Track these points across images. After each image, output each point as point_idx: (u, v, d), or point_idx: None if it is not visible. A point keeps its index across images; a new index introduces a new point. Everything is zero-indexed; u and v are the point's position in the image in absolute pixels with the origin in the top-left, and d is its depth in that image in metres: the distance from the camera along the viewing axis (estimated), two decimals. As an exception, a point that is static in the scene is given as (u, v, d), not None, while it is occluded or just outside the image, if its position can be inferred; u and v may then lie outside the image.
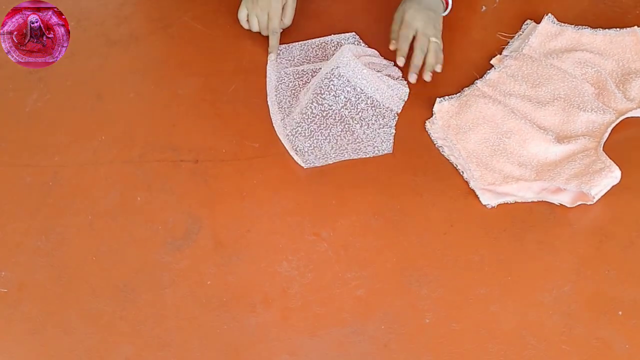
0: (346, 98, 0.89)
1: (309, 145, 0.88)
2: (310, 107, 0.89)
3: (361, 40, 1.00)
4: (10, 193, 0.88)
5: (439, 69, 0.91)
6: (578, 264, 0.76)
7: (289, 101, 0.93)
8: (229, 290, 0.77)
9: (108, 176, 0.89)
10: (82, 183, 0.88)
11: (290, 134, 0.89)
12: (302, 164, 0.87)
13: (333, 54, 0.94)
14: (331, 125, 0.89)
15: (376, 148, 0.88)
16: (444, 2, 0.96)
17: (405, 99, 0.92)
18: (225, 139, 0.91)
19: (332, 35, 1.01)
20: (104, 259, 0.81)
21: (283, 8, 0.98)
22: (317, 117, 0.89)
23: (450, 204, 0.82)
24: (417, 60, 0.90)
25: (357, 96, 0.90)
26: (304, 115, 0.90)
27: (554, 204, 0.81)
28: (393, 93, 0.92)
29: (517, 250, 0.78)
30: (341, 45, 0.97)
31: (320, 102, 0.89)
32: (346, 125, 0.89)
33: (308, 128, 0.89)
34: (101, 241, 0.82)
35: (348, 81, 0.89)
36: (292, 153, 0.88)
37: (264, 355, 0.72)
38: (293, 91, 0.95)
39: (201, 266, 0.79)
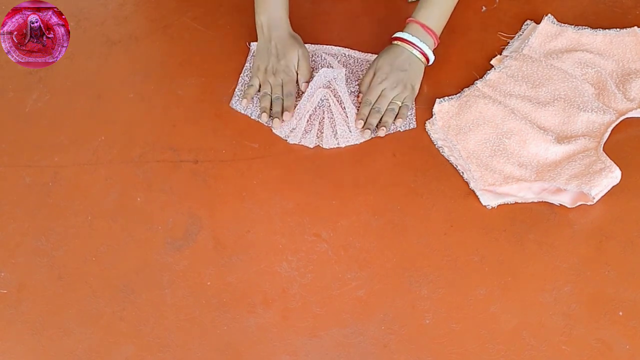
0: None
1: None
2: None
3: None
4: (10, 193, 0.88)
5: (382, 133, 0.89)
6: (578, 264, 0.76)
7: None
8: (229, 291, 0.77)
9: (108, 176, 0.89)
10: (82, 183, 0.88)
11: None
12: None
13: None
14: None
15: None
16: (425, 58, 0.92)
17: (356, 144, 0.90)
18: (225, 139, 0.91)
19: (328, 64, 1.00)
20: (104, 259, 0.81)
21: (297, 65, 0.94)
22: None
23: (450, 205, 0.82)
24: (371, 119, 0.90)
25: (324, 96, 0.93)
26: None
27: (554, 204, 0.81)
28: (351, 130, 0.91)
29: (517, 250, 0.78)
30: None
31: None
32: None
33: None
34: (101, 241, 0.82)
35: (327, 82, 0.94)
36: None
37: (264, 355, 0.72)
38: None
39: (201, 266, 0.79)
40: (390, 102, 0.90)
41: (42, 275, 0.80)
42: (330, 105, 0.93)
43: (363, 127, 0.90)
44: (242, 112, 0.94)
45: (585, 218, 0.80)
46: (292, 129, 0.91)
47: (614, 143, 0.84)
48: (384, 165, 0.87)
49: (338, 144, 0.90)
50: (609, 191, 0.79)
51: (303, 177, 0.87)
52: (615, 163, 0.79)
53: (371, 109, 0.91)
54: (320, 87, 0.93)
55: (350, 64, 0.99)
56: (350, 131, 0.91)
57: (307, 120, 0.92)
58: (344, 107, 0.92)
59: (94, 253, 0.81)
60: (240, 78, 0.98)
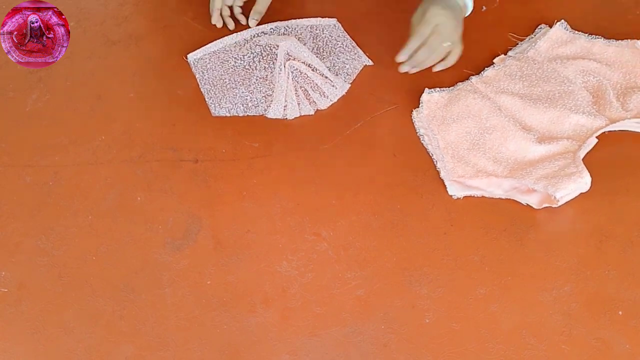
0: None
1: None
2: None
3: (342, 29, 1.03)
4: (10, 193, 0.88)
5: (438, 68, 0.91)
6: (578, 264, 0.76)
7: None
8: (229, 290, 0.77)
9: (108, 176, 0.89)
10: (82, 183, 0.88)
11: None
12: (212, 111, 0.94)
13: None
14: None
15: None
16: (466, 4, 0.91)
17: (334, 101, 0.93)
18: (225, 139, 0.91)
19: (317, 18, 1.04)
20: (104, 259, 0.81)
21: None
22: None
23: (450, 204, 0.82)
24: (419, 56, 0.88)
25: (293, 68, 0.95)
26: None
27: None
28: (334, 85, 0.94)
29: (517, 250, 0.78)
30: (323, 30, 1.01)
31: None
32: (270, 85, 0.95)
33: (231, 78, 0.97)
34: (101, 241, 0.82)
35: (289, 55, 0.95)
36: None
37: (264, 355, 0.72)
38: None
39: (201, 266, 0.79)
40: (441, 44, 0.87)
41: (42, 274, 0.80)
42: (303, 72, 0.95)
43: (405, 61, 0.88)
44: (228, 114, 0.93)
45: (585, 218, 0.80)
46: (284, 106, 0.93)
47: (615, 143, 0.84)
48: (384, 165, 0.87)
49: (331, 101, 0.93)
50: (608, 191, 0.79)
51: (303, 177, 0.87)
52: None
53: (422, 44, 0.86)
54: (284, 62, 0.94)
55: (291, 33, 1.02)
56: (333, 86, 0.94)
57: (294, 93, 0.94)
58: (315, 68, 0.95)
59: (94, 253, 0.81)
60: (201, 89, 0.97)
